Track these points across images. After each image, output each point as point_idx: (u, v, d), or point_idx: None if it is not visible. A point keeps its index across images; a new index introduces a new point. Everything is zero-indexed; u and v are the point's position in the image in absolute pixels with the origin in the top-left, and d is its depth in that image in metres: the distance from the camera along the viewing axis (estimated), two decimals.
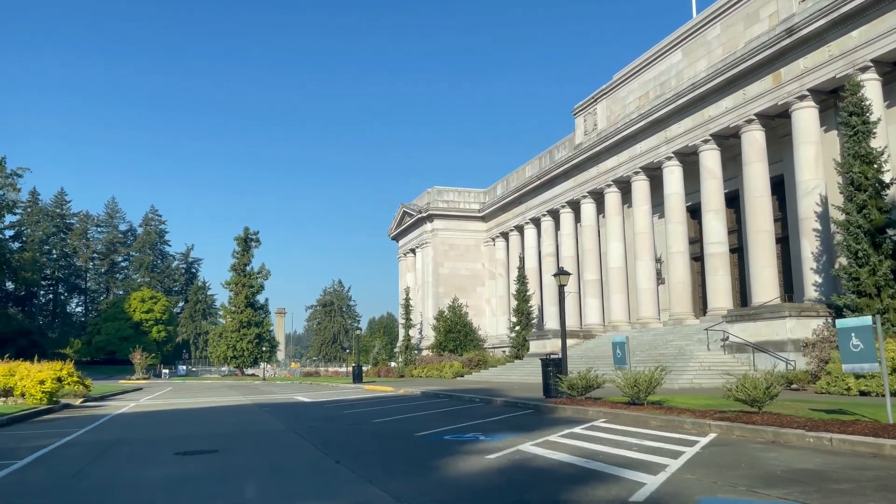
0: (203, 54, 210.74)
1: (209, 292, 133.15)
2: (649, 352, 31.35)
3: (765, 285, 29.90)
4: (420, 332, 57.42)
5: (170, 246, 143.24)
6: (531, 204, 50.15)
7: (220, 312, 75.59)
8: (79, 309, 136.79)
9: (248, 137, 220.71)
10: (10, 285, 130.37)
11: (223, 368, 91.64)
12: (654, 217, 39.21)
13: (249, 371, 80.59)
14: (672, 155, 36.09)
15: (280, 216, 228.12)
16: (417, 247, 59.29)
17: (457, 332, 51.69)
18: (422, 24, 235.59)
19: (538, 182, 48.21)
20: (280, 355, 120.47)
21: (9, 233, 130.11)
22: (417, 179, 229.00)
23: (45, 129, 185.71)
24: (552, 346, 39.97)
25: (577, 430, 12.72)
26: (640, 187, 38.89)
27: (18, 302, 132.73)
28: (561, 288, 19.70)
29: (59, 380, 29.92)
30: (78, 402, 26.76)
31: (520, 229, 52.28)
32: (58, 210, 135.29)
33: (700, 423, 12.19)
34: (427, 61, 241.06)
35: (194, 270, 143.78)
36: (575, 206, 45.35)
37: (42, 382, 22.86)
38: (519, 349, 44.07)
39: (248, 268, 73.93)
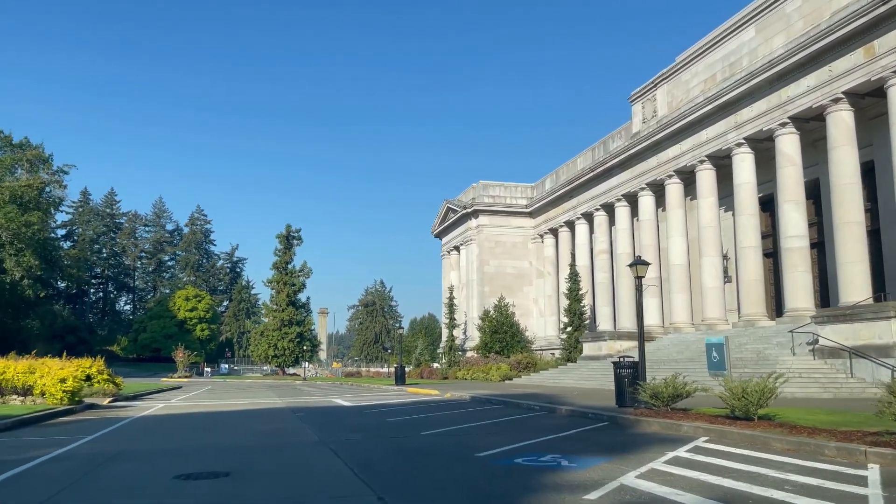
0: (249, 55, 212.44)
1: (253, 291, 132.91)
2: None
3: (854, 282, 26.42)
4: (464, 333, 54.81)
5: (215, 245, 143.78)
6: (583, 198, 47.11)
7: (263, 311, 74.13)
8: (127, 307, 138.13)
9: (290, 137, 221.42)
10: (61, 284, 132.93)
11: (265, 367, 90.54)
12: (720, 210, 35.95)
13: (291, 370, 79.13)
14: (743, 141, 32.76)
15: (323, 216, 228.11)
16: (462, 244, 56.70)
17: (503, 333, 48.94)
18: (455, 16, 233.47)
19: (591, 174, 45.16)
20: (322, 355, 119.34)
21: (60, 232, 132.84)
22: (462, 176, 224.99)
23: (97, 129, 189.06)
24: (608, 348, 36.96)
25: (683, 453, 9.94)
26: (706, 177, 35.60)
27: (70, 300, 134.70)
28: (638, 281, 16.83)
29: (88, 378, 28.34)
30: (106, 401, 24.93)
31: (570, 225, 49.25)
32: (108, 210, 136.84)
33: (849, 450, 9.29)
34: (467, 55, 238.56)
35: (238, 270, 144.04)
36: (631, 199, 42.20)
37: (63, 381, 20.96)
38: (570, 351, 41.11)
39: (289, 266, 72.45)
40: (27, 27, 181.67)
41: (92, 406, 22.52)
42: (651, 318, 39.85)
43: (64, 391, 20.83)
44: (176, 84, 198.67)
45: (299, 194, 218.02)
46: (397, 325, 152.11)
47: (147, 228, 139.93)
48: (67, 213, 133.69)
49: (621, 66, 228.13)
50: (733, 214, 34.12)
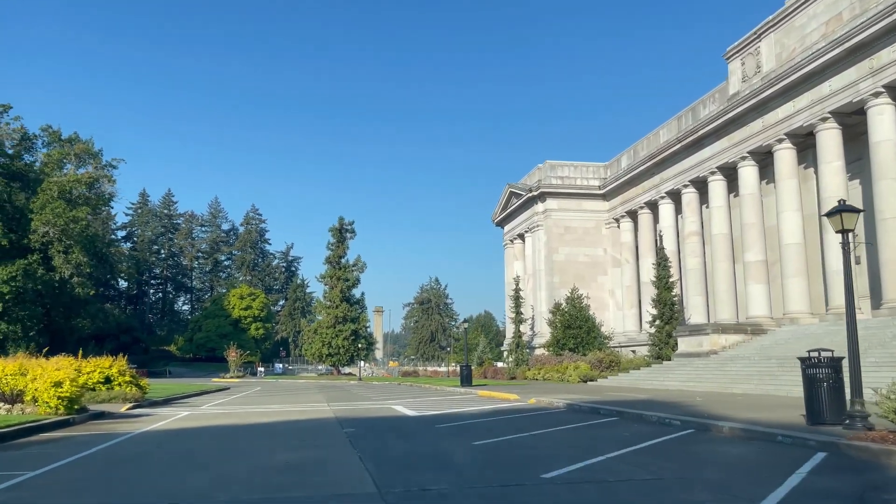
0: (302, 50, 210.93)
1: (308, 290, 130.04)
2: (878, 351, 22.18)
3: None
4: (531, 329, 49.31)
5: (270, 244, 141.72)
6: (667, 174, 41.09)
7: (316, 307, 70.27)
8: (185, 307, 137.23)
9: (344, 134, 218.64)
10: (122, 284, 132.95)
11: (320, 367, 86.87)
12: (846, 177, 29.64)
13: (346, 370, 75.06)
14: (881, 90, 26.40)
15: (377, 214, 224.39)
16: (527, 231, 51.16)
17: (577, 328, 43.29)
18: None
19: (678, 146, 39.12)
20: (378, 354, 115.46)
21: (120, 233, 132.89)
22: (524, 158, 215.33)
23: (154, 130, 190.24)
24: (711, 343, 30.97)
25: None
26: (829, 138, 29.26)
27: (130, 300, 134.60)
28: (845, 237, 11.12)
29: (108, 380, 24.20)
30: (124, 408, 20.59)
31: (652, 206, 43.24)
32: (165, 210, 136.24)
33: None
34: (518, 41, 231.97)
35: (293, 269, 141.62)
36: (728, 171, 36.08)
37: (58, 385, 16.55)
38: (661, 348, 35.21)
39: (343, 260, 68.31)
40: (84, 26, 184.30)
41: (100, 415, 18.09)
42: (757, 308, 33.73)
43: (59, 397, 16.39)
44: (231, 83, 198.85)
45: (354, 191, 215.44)
46: (453, 323, 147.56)
47: (203, 228, 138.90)
48: (127, 214, 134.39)
49: (689, 38, 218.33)
50: (868, 180, 27.85)
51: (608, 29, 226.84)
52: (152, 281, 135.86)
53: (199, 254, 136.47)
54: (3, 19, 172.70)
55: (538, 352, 46.60)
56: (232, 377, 64.63)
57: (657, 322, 36.00)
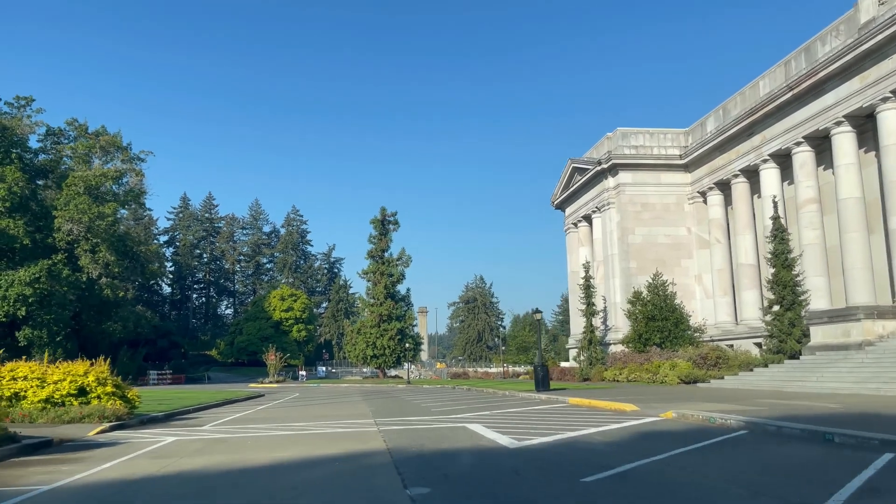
0: (340, 52, 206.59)
1: (350, 291, 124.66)
2: None
3: None
4: (604, 322, 42.17)
5: (311, 246, 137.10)
6: (771, 132, 33.60)
7: (358, 305, 63.97)
8: (228, 311, 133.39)
9: (385, 132, 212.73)
10: (166, 289, 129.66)
11: (364, 370, 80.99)
12: None
13: (392, 372, 68.93)
14: None
15: (416, 211, 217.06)
16: (595, 211, 44.03)
17: (662, 320, 36.10)
18: None
19: (788, 95, 31.61)
20: (423, 355, 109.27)
21: (163, 238, 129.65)
22: (588, 130, 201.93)
23: (195, 134, 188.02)
24: (864, 331, 23.50)
25: None
26: None
27: (174, 305, 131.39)
28: None
29: (83, 391, 18.18)
30: (94, 430, 14.48)
31: (749, 172, 35.78)
32: (206, 214, 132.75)
33: None
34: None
35: (336, 270, 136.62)
36: (860, 120, 28.57)
37: None
38: (782, 339, 27.79)
39: (386, 254, 62.10)
40: (125, 27, 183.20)
41: (39, 446, 11.92)
42: None
43: None
44: (268, 85, 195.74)
45: (394, 190, 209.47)
46: (500, 322, 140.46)
47: (244, 231, 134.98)
48: (168, 218, 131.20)
49: None
50: None
51: None
52: (195, 286, 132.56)
53: (241, 257, 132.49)
54: (37, 21, 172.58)
55: (614, 348, 39.52)
56: (271, 382, 59.03)
57: (776, 308, 28.56)
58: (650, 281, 37.43)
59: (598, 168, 41.74)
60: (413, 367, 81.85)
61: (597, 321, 40.75)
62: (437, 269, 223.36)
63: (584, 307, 39.87)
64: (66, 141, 58.31)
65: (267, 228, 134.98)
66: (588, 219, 45.95)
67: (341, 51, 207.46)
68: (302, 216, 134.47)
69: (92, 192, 55.92)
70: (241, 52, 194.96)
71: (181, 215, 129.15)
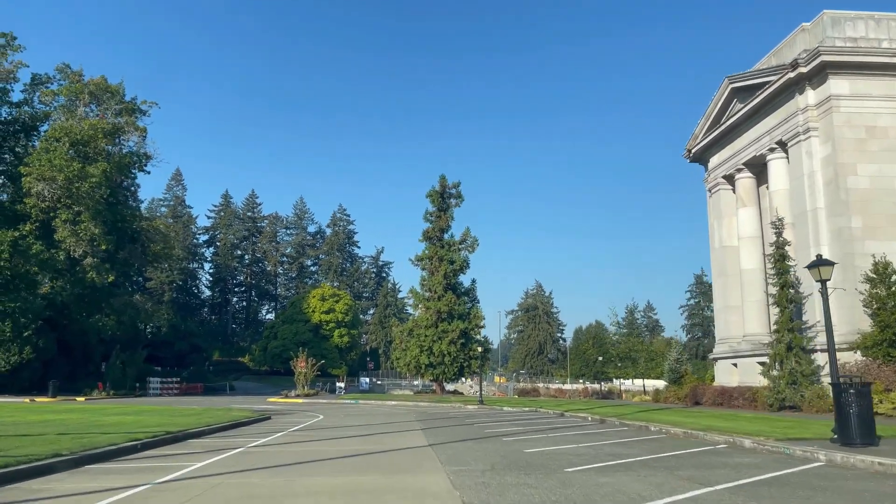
0: (388, 51, 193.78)
1: (400, 295, 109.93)
2: None
3: None
4: (800, 316, 25.83)
5: (358, 248, 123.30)
6: None
7: (410, 301, 48.60)
8: (270, 316, 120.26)
9: (433, 131, 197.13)
10: (206, 292, 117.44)
11: (416, 382, 65.85)
12: None
13: (450, 386, 53.64)
14: None
15: (466, 218, 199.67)
16: (775, 148, 27.67)
17: None
18: None
19: None
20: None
21: (203, 237, 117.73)
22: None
23: (237, 130, 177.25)
24: None
25: None
26: None
27: (214, 309, 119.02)
28: None
29: None
30: None
31: None
32: (249, 213, 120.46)
33: None
34: None
35: (384, 274, 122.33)
36: None
37: None
38: None
39: (446, 235, 46.99)
40: (160, 23, 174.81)
41: None
42: None
43: None
44: (313, 83, 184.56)
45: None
46: (560, 334, 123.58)
47: (288, 231, 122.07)
48: (209, 217, 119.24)
49: None
50: None
51: None
52: (236, 288, 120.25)
53: (284, 258, 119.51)
54: (107, 20, 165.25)
55: (821, 357, 23.27)
56: (298, 395, 44.35)
57: None
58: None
59: (787, 78, 25.69)
60: (470, 381, 66.34)
61: (783, 314, 24.44)
62: (485, 273, 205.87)
63: (777, 290, 23.71)
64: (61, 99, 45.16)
65: (312, 228, 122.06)
66: (755, 166, 29.75)
67: (391, 49, 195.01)
68: (349, 215, 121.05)
69: (80, 151, 42.60)
70: (286, 51, 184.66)
71: (222, 213, 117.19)
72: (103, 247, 40.80)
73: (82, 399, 38.53)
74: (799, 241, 25.63)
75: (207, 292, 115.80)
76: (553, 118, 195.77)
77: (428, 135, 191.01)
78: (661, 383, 54.76)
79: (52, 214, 40.38)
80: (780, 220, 24.47)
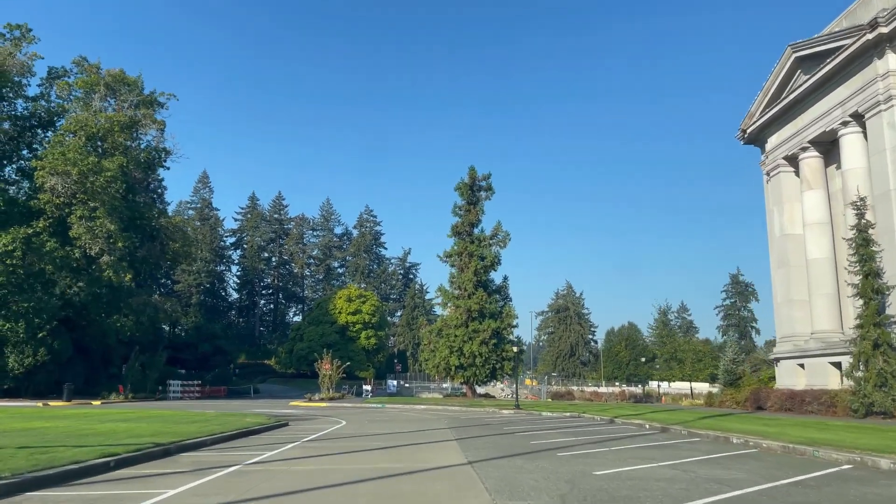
0: (416, 46, 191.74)
1: (427, 296, 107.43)
2: None
3: None
4: (885, 311, 22.53)
5: (385, 249, 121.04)
6: None
7: (439, 300, 45.87)
8: (297, 318, 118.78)
9: (457, 127, 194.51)
10: (234, 294, 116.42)
11: (445, 385, 63.22)
12: None
13: (481, 390, 50.82)
14: None
15: (497, 211, 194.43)
16: (848, 121, 24.46)
17: None
18: None
19: None
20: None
21: (230, 240, 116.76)
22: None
23: (264, 131, 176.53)
24: None
25: None
26: None
27: (242, 312, 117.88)
28: None
29: None
30: None
31: None
32: (276, 215, 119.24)
33: None
34: None
35: (412, 276, 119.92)
36: None
37: None
38: None
39: (476, 230, 44.31)
40: (196, 21, 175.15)
41: None
42: None
43: None
44: (339, 80, 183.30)
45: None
46: (591, 336, 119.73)
47: (315, 233, 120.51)
48: (236, 219, 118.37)
49: None
50: None
51: None
52: (263, 291, 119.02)
53: (311, 259, 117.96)
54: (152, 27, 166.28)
55: None
56: (322, 399, 42.00)
57: None
58: None
59: (865, 40, 22.47)
60: (500, 384, 63.43)
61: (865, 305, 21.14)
62: (513, 273, 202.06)
63: (860, 279, 20.49)
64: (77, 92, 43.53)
65: (339, 230, 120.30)
66: (823, 144, 26.49)
67: (421, 43, 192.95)
68: (375, 217, 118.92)
69: (96, 146, 40.92)
70: (304, 50, 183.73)
71: (249, 216, 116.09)
72: (120, 244, 38.92)
73: (98, 403, 36.64)
74: (881, 224, 22.34)
75: (235, 295, 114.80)
76: (575, 111, 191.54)
77: (455, 132, 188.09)
78: (705, 386, 51.14)
79: (67, 211, 38.67)
80: (861, 199, 21.25)
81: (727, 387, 30.38)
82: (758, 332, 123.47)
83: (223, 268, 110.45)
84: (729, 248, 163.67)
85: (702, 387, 45.77)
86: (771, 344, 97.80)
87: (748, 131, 30.61)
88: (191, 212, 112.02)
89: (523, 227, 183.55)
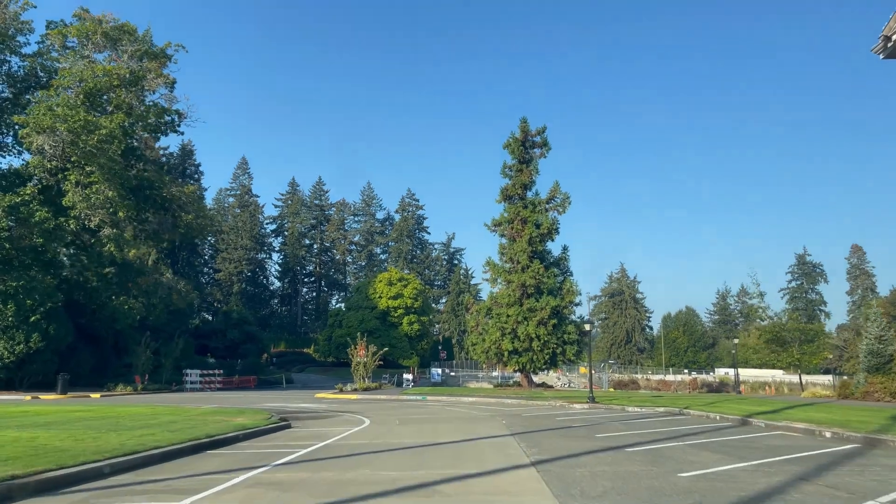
0: (440, 37, 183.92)
1: (473, 281, 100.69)
2: None
3: None
4: None
5: (429, 234, 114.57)
6: None
7: (487, 276, 38.63)
8: (340, 305, 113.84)
9: (501, 112, 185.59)
10: (276, 283, 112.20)
11: (494, 373, 56.45)
12: None
13: (537, 378, 43.80)
14: None
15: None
16: None
17: None
18: None
19: None
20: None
21: (270, 227, 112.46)
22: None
23: (302, 119, 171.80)
24: None
25: None
26: None
27: (284, 300, 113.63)
28: None
29: None
30: None
31: None
32: (316, 201, 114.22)
33: None
34: None
35: (456, 261, 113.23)
36: None
37: None
38: None
39: (529, 193, 37.20)
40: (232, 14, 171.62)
41: None
42: None
43: None
44: (379, 65, 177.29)
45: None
46: (647, 322, 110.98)
47: (356, 218, 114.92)
48: (276, 206, 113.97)
49: None
50: None
51: None
52: (305, 279, 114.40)
53: (353, 246, 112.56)
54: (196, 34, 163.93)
55: None
56: (355, 389, 35.77)
57: None
58: None
59: None
60: (555, 372, 56.21)
61: None
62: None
63: None
64: (73, 43, 38.10)
65: (380, 215, 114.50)
66: None
67: (463, 27, 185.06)
68: (418, 200, 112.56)
69: (96, 103, 35.43)
70: (344, 37, 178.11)
71: (289, 202, 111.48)
72: (121, 213, 33.26)
73: (97, 396, 31.22)
74: None
75: (277, 283, 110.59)
76: (632, 76, 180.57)
77: (502, 106, 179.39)
78: (823, 378, 42.76)
79: (60, 177, 33.24)
80: None
81: (870, 374, 22.65)
82: (828, 315, 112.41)
83: (264, 255, 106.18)
84: (792, 226, 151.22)
85: (820, 378, 37.35)
86: (843, 328, 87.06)
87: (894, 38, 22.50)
88: (231, 199, 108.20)
89: (575, 199, 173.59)
